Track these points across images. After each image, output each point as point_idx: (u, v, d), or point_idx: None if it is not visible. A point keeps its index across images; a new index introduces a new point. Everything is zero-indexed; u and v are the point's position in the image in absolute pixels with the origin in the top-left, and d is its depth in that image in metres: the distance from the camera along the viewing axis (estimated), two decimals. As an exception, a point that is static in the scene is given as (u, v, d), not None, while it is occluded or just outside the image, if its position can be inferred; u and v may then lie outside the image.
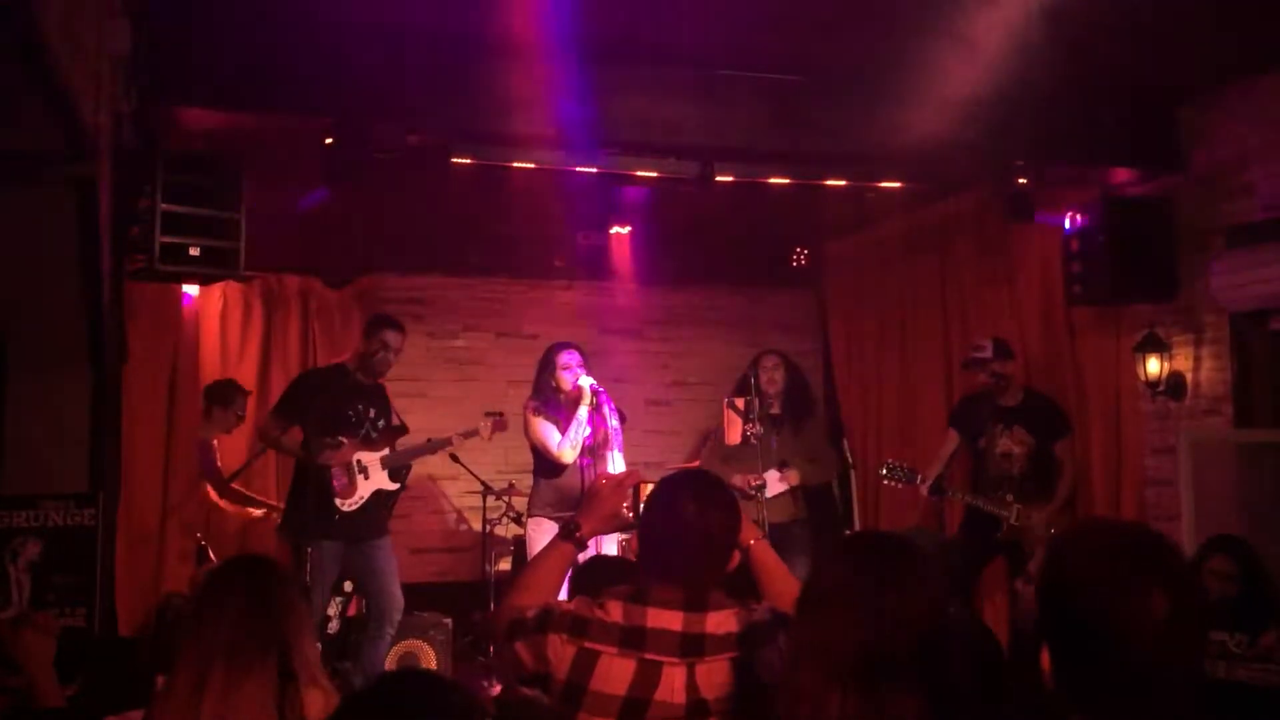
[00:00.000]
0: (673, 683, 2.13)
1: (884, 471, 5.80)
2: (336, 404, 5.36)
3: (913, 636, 1.81)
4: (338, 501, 5.28)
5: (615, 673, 2.14)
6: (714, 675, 2.13)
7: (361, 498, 5.37)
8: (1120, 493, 5.95)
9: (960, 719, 1.77)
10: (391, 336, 5.47)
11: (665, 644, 2.15)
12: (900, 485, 5.85)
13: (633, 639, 2.16)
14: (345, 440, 5.34)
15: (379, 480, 5.46)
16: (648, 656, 2.14)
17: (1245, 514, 5.20)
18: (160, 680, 2.39)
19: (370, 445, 5.45)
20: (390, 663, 5.84)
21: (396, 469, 5.56)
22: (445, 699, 1.56)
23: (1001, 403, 5.83)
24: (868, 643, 1.81)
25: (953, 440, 6.01)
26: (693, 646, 2.15)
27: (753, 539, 2.42)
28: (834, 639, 1.85)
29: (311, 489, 5.23)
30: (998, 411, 5.82)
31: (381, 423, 5.54)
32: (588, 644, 2.17)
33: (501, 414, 6.13)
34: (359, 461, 5.39)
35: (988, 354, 5.79)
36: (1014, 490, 5.68)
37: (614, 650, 2.16)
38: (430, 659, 5.93)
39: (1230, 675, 3.81)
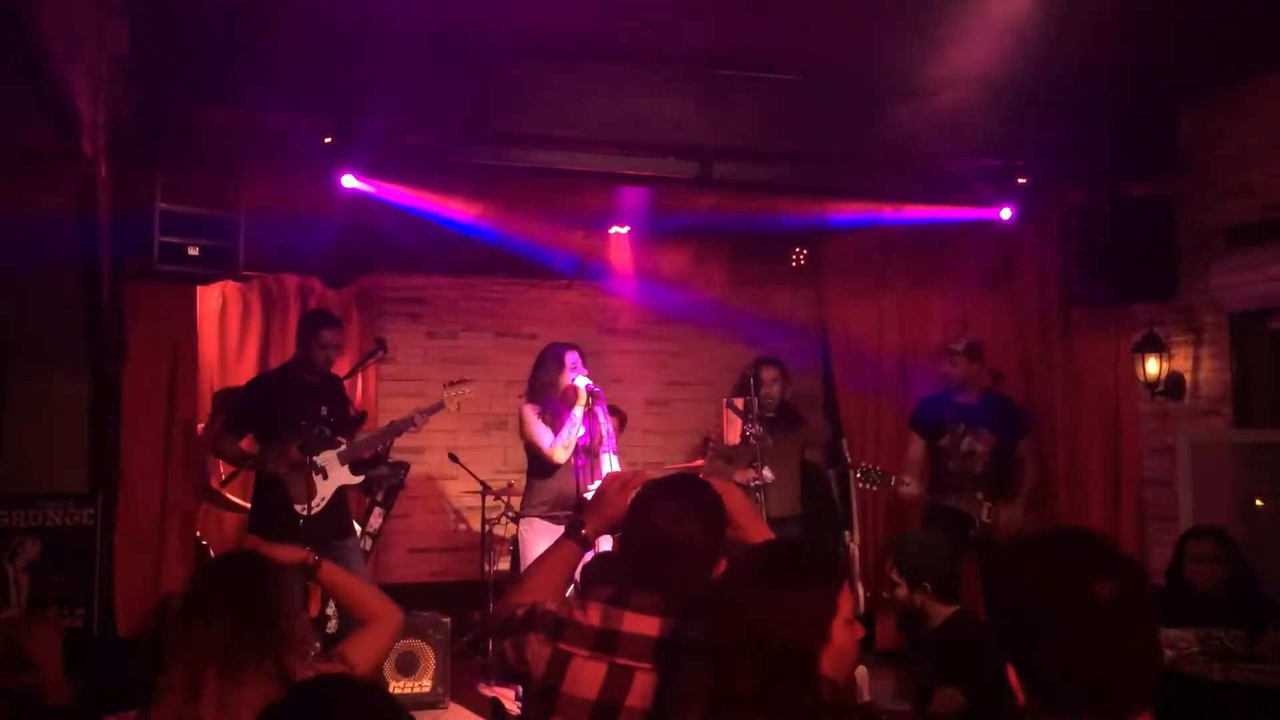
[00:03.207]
0: (645, 689, 2.08)
1: (859, 475, 5.80)
2: (285, 408, 5.26)
3: (754, 669, 1.79)
4: (297, 508, 5.16)
5: (586, 676, 2.11)
6: None
7: (323, 499, 5.25)
8: (1119, 493, 5.95)
9: None
10: (329, 335, 5.39)
11: (639, 649, 2.11)
12: (875, 488, 5.86)
13: (605, 643, 2.12)
14: (294, 444, 5.19)
15: (339, 477, 5.35)
16: (619, 661, 2.11)
17: (1244, 514, 5.20)
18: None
19: (325, 444, 5.32)
20: (389, 662, 5.84)
21: (358, 462, 5.43)
22: (362, 703, 1.57)
23: (961, 401, 5.84)
24: (720, 662, 1.82)
25: (917, 443, 5.99)
26: (668, 653, 2.10)
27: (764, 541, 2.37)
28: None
29: (271, 497, 5.19)
30: (959, 410, 5.82)
31: (334, 418, 5.41)
32: (561, 645, 2.15)
33: (466, 380, 5.87)
34: (313, 463, 5.23)
35: (961, 349, 5.82)
36: (979, 488, 5.68)
37: (585, 653, 2.13)
38: (429, 659, 5.93)
39: (1227, 677, 3.81)
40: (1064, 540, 1.59)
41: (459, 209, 6.55)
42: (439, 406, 5.70)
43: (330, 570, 2.64)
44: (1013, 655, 1.56)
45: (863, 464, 5.89)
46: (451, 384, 5.82)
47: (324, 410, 5.37)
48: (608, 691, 2.09)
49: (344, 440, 5.42)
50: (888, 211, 6.53)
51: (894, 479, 5.68)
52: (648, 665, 2.09)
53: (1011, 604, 1.56)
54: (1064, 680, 1.50)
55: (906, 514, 6.88)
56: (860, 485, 5.85)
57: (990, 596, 1.62)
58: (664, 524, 2.19)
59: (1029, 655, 1.54)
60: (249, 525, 5.46)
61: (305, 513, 5.18)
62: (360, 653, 2.49)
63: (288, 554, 2.57)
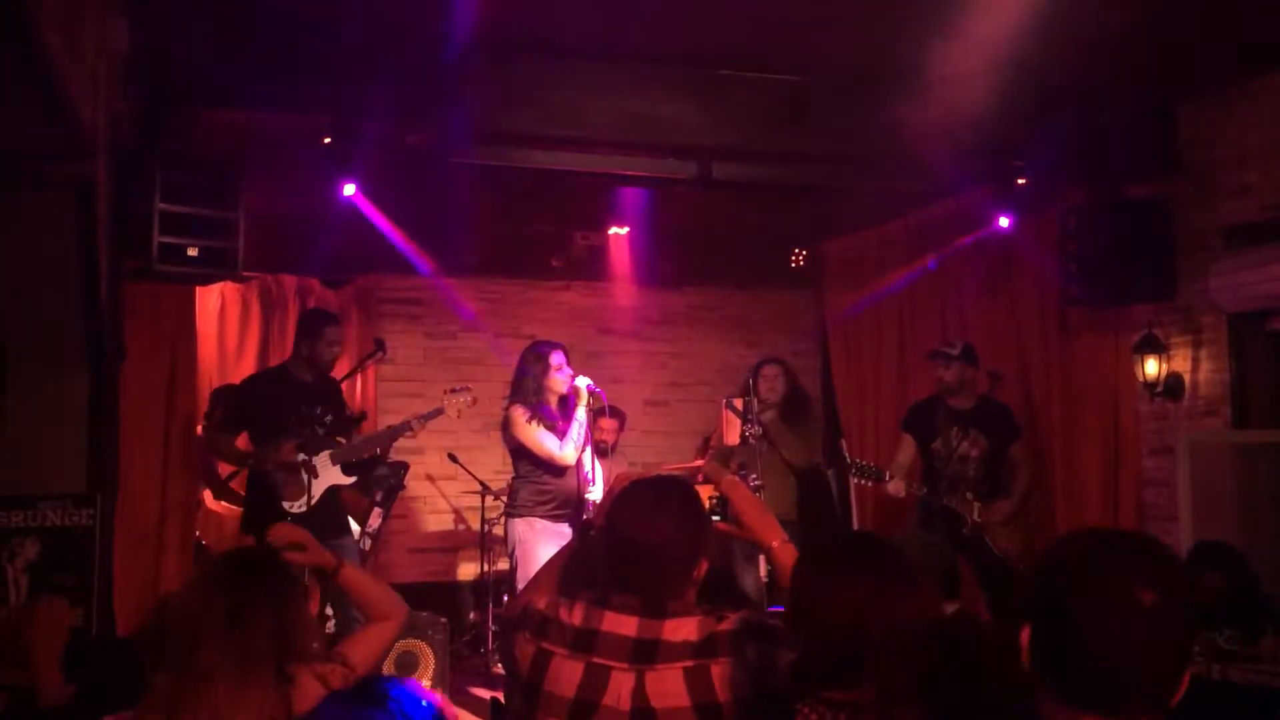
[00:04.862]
0: (620, 689, 2.09)
1: (854, 470, 5.82)
2: (279, 407, 5.26)
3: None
4: (285, 504, 5.16)
5: (565, 675, 2.13)
6: (664, 684, 2.07)
7: (312, 498, 5.22)
8: (1118, 493, 5.95)
9: None
10: (334, 331, 5.44)
11: (616, 649, 2.12)
12: (870, 483, 5.90)
13: (583, 642, 2.14)
14: (286, 443, 5.19)
15: (330, 477, 5.31)
16: (596, 660, 2.12)
17: (1243, 515, 5.20)
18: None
19: (318, 444, 5.29)
20: (388, 662, 5.84)
21: (351, 463, 5.41)
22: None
23: (955, 406, 5.85)
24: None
25: (909, 445, 5.99)
26: (644, 653, 2.10)
27: (775, 541, 2.35)
28: None
29: (260, 496, 5.20)
30: (953, 414, 5.82)
31: (330, 418, 5.39)
32: (544, 644, 2.17)
33: (468, 387, 5.81)
34: (304, 461, 5.20)
35: (956, 352, 5.83)
36: (970, 490, 5.70)
37: (565, 652, 2.15)
38: (428, 659, 5.93)
39: (1226, 677, 3.81)
40: (1121, 541, 1.58)
41: (458, 209, 6.55)
42: (438, 412, 5.64)
43: (349, 572, 2.61)
44: (1041, 645, 1.56)
45: (856, 459, 5.95)
46: (452, 390, 5.75)
47: (317, 410, 5.36)
48: (585, 689, 2.10)
49: (339, 440, 5.40)
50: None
51: (887, 474, 5.72)
52: (624, 665, 2.10)
53: (1044, 596, 1.56)
54: (1081, 676, 1.50)
55: (905, 514, 6.89)
56: (855, 480, 5.91)
57: (1038, 583, 1.61)
58: (638, 526, 2.19)
59: (1051, 644, 1.54)
60: (242, 524, 5.46)
61: (293, 510, 5.15)
62: (362, 652, 2.47)
63: (310, 557, 2.53)
